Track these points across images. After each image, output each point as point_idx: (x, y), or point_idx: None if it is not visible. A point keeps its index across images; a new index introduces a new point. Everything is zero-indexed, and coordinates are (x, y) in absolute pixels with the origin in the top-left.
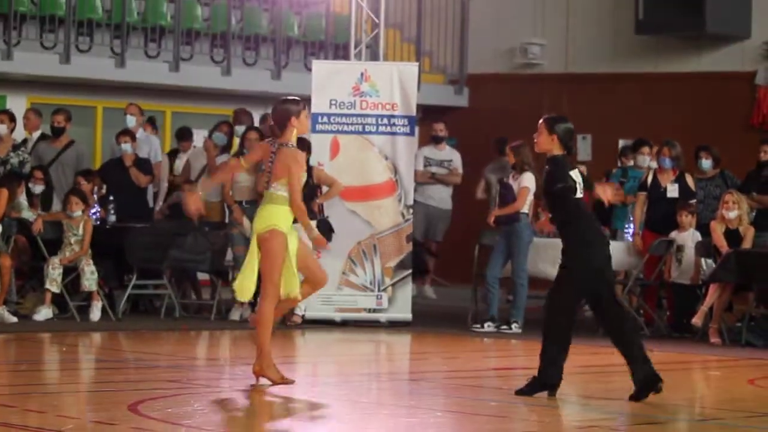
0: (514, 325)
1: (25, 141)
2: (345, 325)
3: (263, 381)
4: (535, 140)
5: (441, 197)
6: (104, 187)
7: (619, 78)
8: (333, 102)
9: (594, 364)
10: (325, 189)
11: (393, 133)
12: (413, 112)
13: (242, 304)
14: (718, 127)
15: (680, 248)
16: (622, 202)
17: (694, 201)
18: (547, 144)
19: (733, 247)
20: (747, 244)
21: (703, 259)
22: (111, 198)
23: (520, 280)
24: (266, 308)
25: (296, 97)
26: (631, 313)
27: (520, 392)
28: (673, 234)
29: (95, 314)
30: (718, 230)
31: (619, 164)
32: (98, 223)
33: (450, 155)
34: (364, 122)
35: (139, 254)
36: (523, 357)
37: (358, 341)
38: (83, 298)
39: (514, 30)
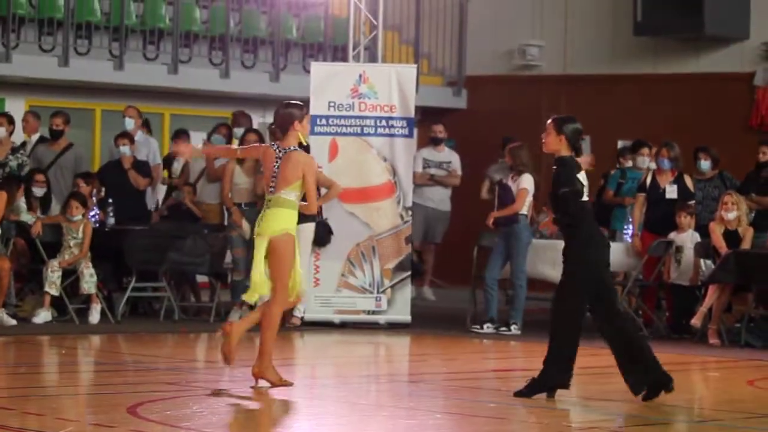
0: (513, 327)
1: (23, 144)
2: (344, 326)
3: (262, 383)
4: (543, 140)
5: (440, 199)
6: (103, 189)
7: (617, 79)
8: (331, 104)
9: (593, 366)
10: (323, 191)
11: (391, 135)
12: (412, 113)
13: (242, 305)
14: (717, 128)
15: (679, 249)
16: (621, 204)
17: (693, 202)
18: (555, 144)
19: (732, 248)
20: (746, 245)
21: (702, 260)
22: (110, 200)
23: (518, 282)
24: (275, 312)
25: (299, 102)
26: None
27: (519, 394)
28: (672, 235)
29: (94, 317)
30: (717, 231)
31: (617, 165)
32: (97, 225)
33: (449, 157)
34: (363, 124)
35: (138, 257)
36: (522, 359)
37: (357, 343)
38: (82, 301)
39: (513, 32)
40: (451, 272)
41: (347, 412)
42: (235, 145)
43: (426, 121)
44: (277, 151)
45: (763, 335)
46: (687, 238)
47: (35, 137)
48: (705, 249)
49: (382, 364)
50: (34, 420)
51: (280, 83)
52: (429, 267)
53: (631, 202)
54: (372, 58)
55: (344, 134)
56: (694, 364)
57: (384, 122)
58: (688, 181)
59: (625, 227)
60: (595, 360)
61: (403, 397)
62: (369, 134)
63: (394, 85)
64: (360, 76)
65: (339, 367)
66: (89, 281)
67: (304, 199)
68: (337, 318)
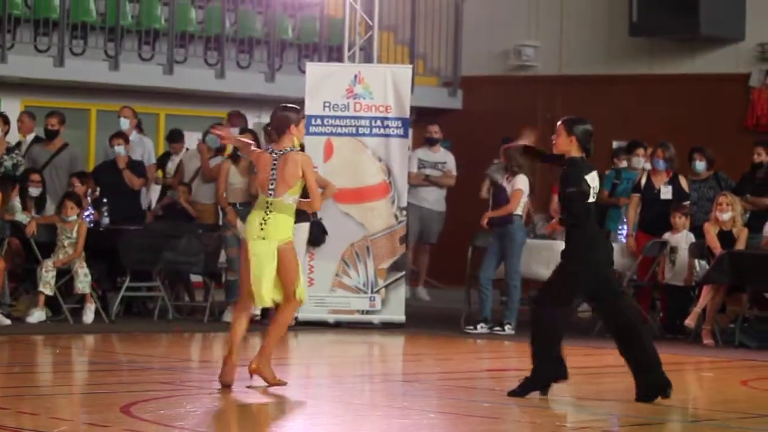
0: (507, 327)
1: (19, 144)
2: (338, 326)
3: (256, 381)
4: (554, 142)
5: (435, 199)
6: (98, 189)
7: (613, 80)
8: (327, 104)
9: (586, 366)
10: (318, 191)
11: (386, 135)
12: (407, 114)
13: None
14: (712, 128)
15: (674, 250)
16: (616, 204)
17: (687, 203)
18: (566, 145)
19: (727, 248)
20: (740, 246)
21: (696, 261)
22: (104, 200)
23: (513, 282)
24: (289, 314)
25: (296, 105)
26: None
27: (512, 393)
28: (667, 235)
29: (88, 316)
30: (711, 232)
31: (612, 166)
32: (92, 225)
33: (444, 157)
34: (358, 124)
35: (133, 256)
36: (516, 358)
37: (351, 343)
38: (76, 301)
39: (508, 32)
40: (446, 272)
41: (341, 412)
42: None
43: (421, 122)
44: (274, 153)
45: (757, 336)
46: (681, 239)
47: (30, 137)
48: (699, 249)
49: (377, 363)
50: (29, 419)
51: (276, 83)
52: (424, 267)
53: (626, 202)
54: (367, 59)
55: (339, 134)
56: (688, 364)
57: (379, 122)
58: (683, 182)
59: (620, 228)
60: (589, 360)
61: (397, 397)
62: (364, 134)
63: (389, 86)
64: (355, 76)
65: (333, 366)
66: (83, 281)
67: (305, 196)
68: (331, 318)
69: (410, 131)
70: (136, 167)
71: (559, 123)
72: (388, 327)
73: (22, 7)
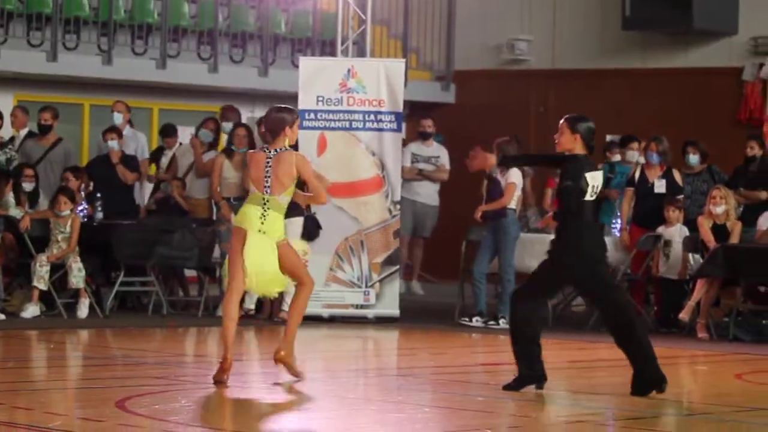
0: (501, 321)
1: (12, 139)
2: (332, 321)
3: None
4: (557, 140)
5: (428, 193)
6: (91, 184)
7: (606, 74)
8: (320, 98)
9: (580, 359)
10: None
11: (380, 130)
12: (400, 108)
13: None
14: (706, 122)
15: (668, 243)
16: (609, 198)
17: (681, 196)
18: (570, 143)
19: (721, 242)
20: (734, 239)
21: (690, 254)
22: (98, 195)
23: (507, 276)
24: (305, 298)
25: (290, 107)
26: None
27: (507, 387)
28: (661, 229)
29: (83, 311)
30: (705, 225)
31: (604, 160)
32: (85, 220)
33: (437, 152)
34: (351, 119)
35: (127, 251)
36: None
37: (345, 337)
38: (71, 296)
39: (501, 26)
40: (440, 266)
41: (336, 406)
42: (224, 139)
43: (414, 116)
44: (267, 152)
45: (751, 329)
46: (675, 233)
47: (24, 132)
48: (693, 243)
49: (371, 358)
50: (23, 414)
51: (269, 78)
52: (418, 261)
53: (615, 196)
54: (360, 53)
55: (333, 129)
56: (683, 358)
57: (372, 117)
58: (677, 176)
59: (614, 221)
60: (582, 354)
61: (391, 391)
62: (357, 129)
63: (382, 80)
64: (348, 70)
65: (328, 361)
66: (77, 276)
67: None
68: (325, 312)
69: (403, 125)
70: (130, 162)
71: (561, 121)
72: (382, 321)
73: (15, 1)
